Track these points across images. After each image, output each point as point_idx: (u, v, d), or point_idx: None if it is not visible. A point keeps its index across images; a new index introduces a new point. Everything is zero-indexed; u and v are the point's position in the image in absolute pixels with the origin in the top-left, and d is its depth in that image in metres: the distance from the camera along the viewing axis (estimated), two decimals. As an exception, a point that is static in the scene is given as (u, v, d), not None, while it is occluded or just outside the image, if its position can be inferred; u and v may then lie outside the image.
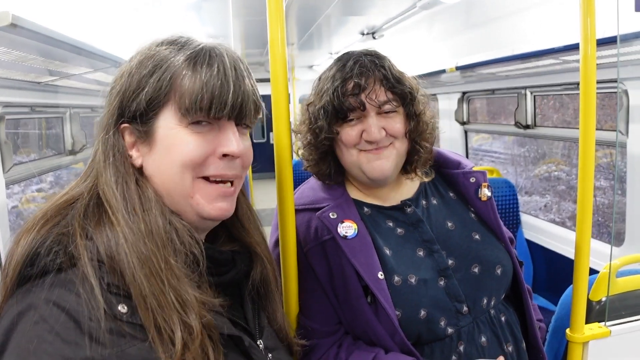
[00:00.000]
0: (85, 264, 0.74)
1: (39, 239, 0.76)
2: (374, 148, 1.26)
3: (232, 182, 0.91)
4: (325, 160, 1.35)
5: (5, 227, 2.00)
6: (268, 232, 1.33)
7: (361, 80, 1.23)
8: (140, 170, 0.88)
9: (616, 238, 2.82)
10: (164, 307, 0.76)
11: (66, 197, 0.85)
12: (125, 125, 0.87)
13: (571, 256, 1.38)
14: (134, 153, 0.88)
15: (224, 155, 0.87)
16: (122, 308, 0.75)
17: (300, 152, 1.41)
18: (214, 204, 0.88)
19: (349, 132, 1.27)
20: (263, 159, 3.61)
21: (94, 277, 0.74)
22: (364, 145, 1.27)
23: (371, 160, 1.27)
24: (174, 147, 0.85)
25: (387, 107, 1.25)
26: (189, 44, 0.88)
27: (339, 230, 1.25)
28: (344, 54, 1.33)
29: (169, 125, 0.85)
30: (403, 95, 1.26)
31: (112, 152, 0.86)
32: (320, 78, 1.35)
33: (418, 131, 1.31)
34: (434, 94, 4.88)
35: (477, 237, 1.32)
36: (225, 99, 0.84)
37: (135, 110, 0.85)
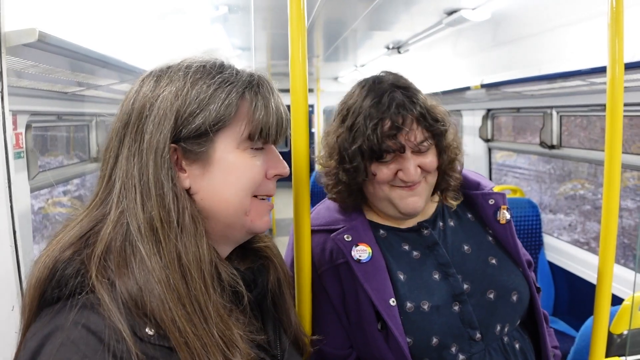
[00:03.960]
0: (108, 303, 0.72)
1: (60, 260, 0.75)
2: (407, 185, 1.24)
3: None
4: (354, 193, 1.32)
5: (29, 234, 2.02)
6: (286, 241, 1.34)
7: (398, 120, 1.19)
8: (187, 191, 0.85)
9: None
10: (208, 348, 0.75)
11: (80, 227, 0.81)
12: (174, 145, 0.84)
13: (594, 281, 1.34)
14: (181, 174, 0.85)
15: (274, 176, 0.94)
16: (149, 330, 0.74)
17: (327, 188, 1.36)
18: (263, 219, 0.94)
19: (384, 172, 1.24)
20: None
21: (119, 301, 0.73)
22: (397, 182, 1.24)
23: (404, 198, 1.25)
24: (237, 171, 0.87)
25: (423, 145, 1.22)
26: (244, 72, 0.91)
27: (352, 253, 1.23)
28: (373, 82, 1.27)
29: (227, 148, 0.87)
30: (439, 132, 1.24)
31: (161, 175, 0.81)
32: (348, 106, 1.28)
33: (448, 161, 1.29)
34: (458, 110, 4.84)
35: (493, 261, 1.30)
36: (280, 128, 0.93)
37: (193, 131, 0.83)
